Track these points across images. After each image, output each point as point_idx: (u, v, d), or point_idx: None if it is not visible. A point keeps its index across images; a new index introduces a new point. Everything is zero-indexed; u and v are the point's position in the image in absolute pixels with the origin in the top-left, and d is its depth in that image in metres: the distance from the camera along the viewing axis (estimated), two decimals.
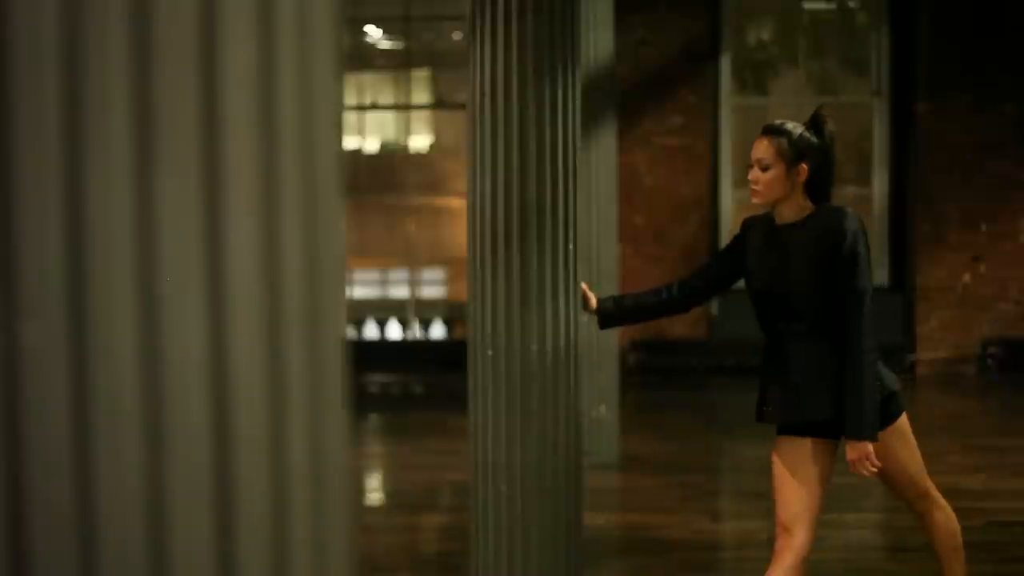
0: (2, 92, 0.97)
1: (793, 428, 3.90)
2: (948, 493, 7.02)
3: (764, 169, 3.81)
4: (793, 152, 3.80)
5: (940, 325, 11.98)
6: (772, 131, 3.87)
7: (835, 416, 3.83)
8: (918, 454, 4.11)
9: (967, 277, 11.97)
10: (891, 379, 3.94)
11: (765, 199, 3.84)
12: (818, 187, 3.84)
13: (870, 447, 3.79)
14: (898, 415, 4.00)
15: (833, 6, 12.72)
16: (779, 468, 3.92)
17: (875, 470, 3.82)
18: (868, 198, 12.53)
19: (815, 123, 3.88)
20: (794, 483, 3.89)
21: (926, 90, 11.88)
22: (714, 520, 6.70)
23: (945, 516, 4.18)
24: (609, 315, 4.15)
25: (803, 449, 3.86)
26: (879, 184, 12.44)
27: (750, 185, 3.86)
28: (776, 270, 3.84)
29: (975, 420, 10.00)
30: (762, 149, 3.83)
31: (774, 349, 3.88)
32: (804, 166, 3.80)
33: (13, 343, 0.97)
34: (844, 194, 12.71)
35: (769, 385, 3.90)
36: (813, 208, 3.83)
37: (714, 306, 11.73)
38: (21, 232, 0.98)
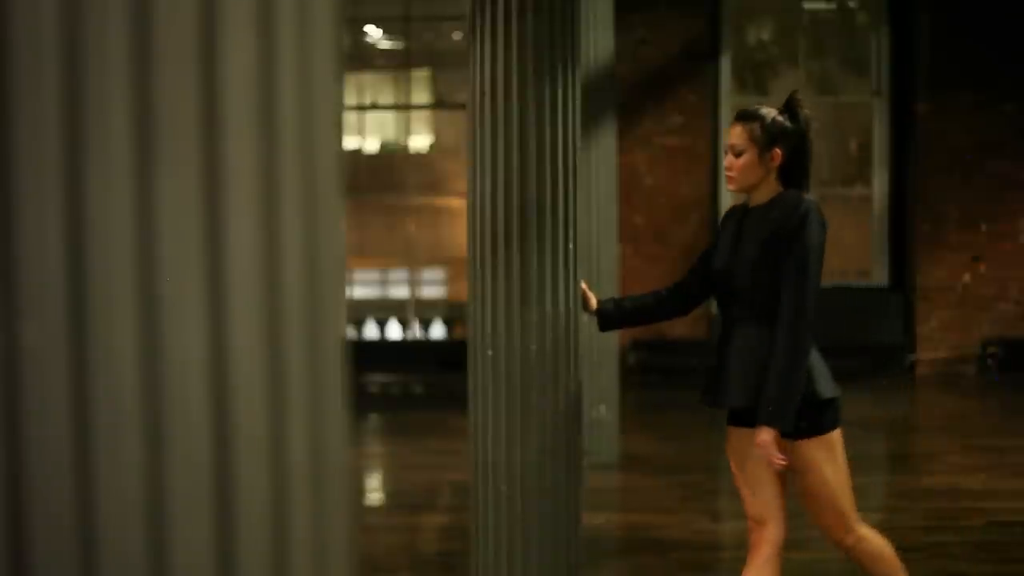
0: (2, 92, 0.97)
1: (741, 419, 3.84)
2: (948, 493, 7.05)
3: (738, 155, 3.78)
4: (766, 137, 3.77)
5: (940, 325, 11.98)
6: (745, 116, 3.83)
7: (748, 405, 3.75)
8: (847, 480, 3.92)
9: (967, 277, 11.97)
10: (829, 386, 3.83)
11: (739, 185, 3.81)
12: (793, 173, 3.81)
13: (771, 436, 3.67)
14: (830, 427, 3.85)
15: (833, 6, 12.72)
16: (733, 462, 3.90)
17: (780, 463, 3.71)
18: (868, 198, 12.53)
19: (790, 108, 3.83)
20: (751, 476, 3.85)
21: (926, 90, 11.88)
22: (714, 520, 6.70)
23: (879, 543, 4.00)
24: (609, 317, 4.14)
25: (749, 440, 3.79)
26: (879, 184, 12.44)
27: (725, 172, 3.84)
28: (730, 252, 3.81)
29: (975, 420, 10.00)
30: (735, 135, 3.81)
31: (723, 333, 3.85)
32: (778, 151, 3.77)
33: (13, 343, 0.97)
34: (844, 194, 12.72)
35: (711, 370, 3.89)
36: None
37: (714, 306, 11.73)
38: (21, 232, 0.98)
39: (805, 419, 3.77)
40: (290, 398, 1.07)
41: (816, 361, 3.80)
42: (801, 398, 3.71)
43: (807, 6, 12.72)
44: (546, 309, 3.95)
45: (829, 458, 3.87)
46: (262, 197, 1.04)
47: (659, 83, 12.08)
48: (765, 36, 12.84)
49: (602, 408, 7.48)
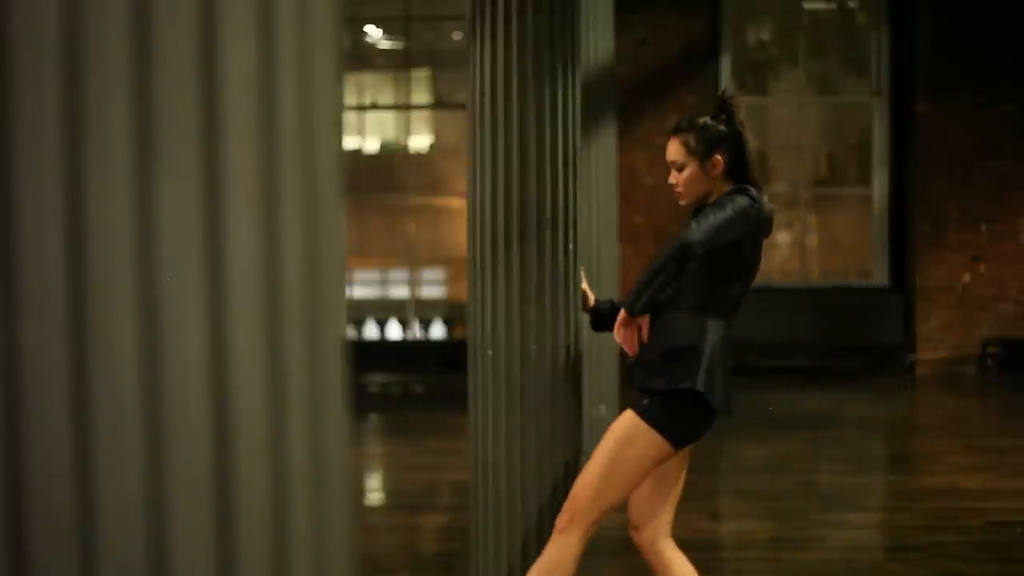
0: (2, 92, 0.97)
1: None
2: (948, 493, 7.05)
3: (680, 169, 3.74)
4: (703, 146, 3.72)
5: (940, 325, 11.98)
6: (679, 130, 3.79)
7: (639, 384, 3.72)
8: (624, 487, 3.74)
9: (967, 277, 11.97)
10: (720, 400, 3.70)
11: (689, 198, 3.76)
12: (740, 173, 3.76)
13: (621, 320, 3.66)
14: (664, 428, 3.67)
15: (833, 6, 12.72)
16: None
17: (627, 345, 3.67)
18: (868, 198, 12.53)
19: (724, 110, 3.77)
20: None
21: (926, 90, 11.88)
22: (714, 520, 6.70)
23: (574, 555, 3.74)
24: (601, 317, 4.12)
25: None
26: (879, 184, 12.44)
27: (673, 189, 3.80)
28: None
29: (975, 420, 10.00)
30: (672, 150, 3.77)
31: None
32: (719, 157, 3.72)
33: (13, 343, 0.97)
34: (844, 194, 12.72)
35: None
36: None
37: None
38: (21, 232, 0.98)
39: (654, 400, 3.68)
40: (290, 398, 1.07)
41: (718, 364, 3.69)
42: (674, 385, 3.63)
43: (807, 6, 12.72)
44: (546, 309, 3.95)
45: (627, 448, 3.67)
46: (262, 197, 1.04)
47: (659, 83, 12.08)
48: (765, 36, 12.84)
49: (602, 408, 7.48)
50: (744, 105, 3.85)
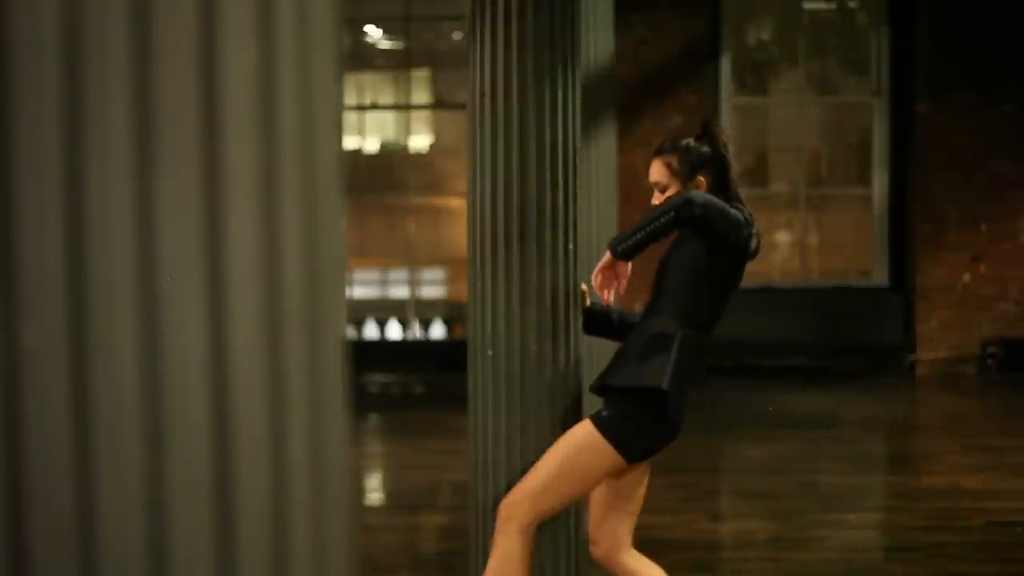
0: (2, 92, 0.97)
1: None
2: (948, 493, 7.05)
3: (662, 191, 3.75)
4: (686, 168, 3.74)
5: (940, 325, 11.98)
6: (661, 152, 3.80)
7: (599, 388, 3.71)
8: (566, 495, 3.69)
9: (967, 277, 11.97)
10: (674, 411, 3.66)
11: None
12: (723, 195, 3.74)
13: (603, 263, 3.61)
14: (620, 443, 3.61)
15: (833, 6, 12.72)
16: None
17: (602, 291, 3.62)
18: (868, 198, 12.53)
19: (708, 132, 3.79)
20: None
21: (926, 90, 11.88)
22: (714, 520, 6.70)
23: (521, 556, 3.66)
24: (593, 317, 4.11)
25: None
26: (879, 184, 12.44)
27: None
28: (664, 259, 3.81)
29: (975, 420, 10.00)
30: (655, 172, 3.78)
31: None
32: (701, 179, 3.74)
33: (13, 343, 0.97)
34: (844, 194, 12.72)
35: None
36: None
37: None
38: (21, 232, 0.98)
39: (614, 412, 3.64)
40: (290, 398, 1.07)
41: (686, 375, 3.66)
42: (639, 391, 3.61)
43: (807, 6, 12.72)
44: (546, 309, 3.95)
45: (578, 457, 3.63)
46: (262, 197, 1.04)
47: (659, 83, 12.08)
48: (765, 36, 12.84)
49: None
50: (725, 130, 3.85)
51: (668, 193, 3.75)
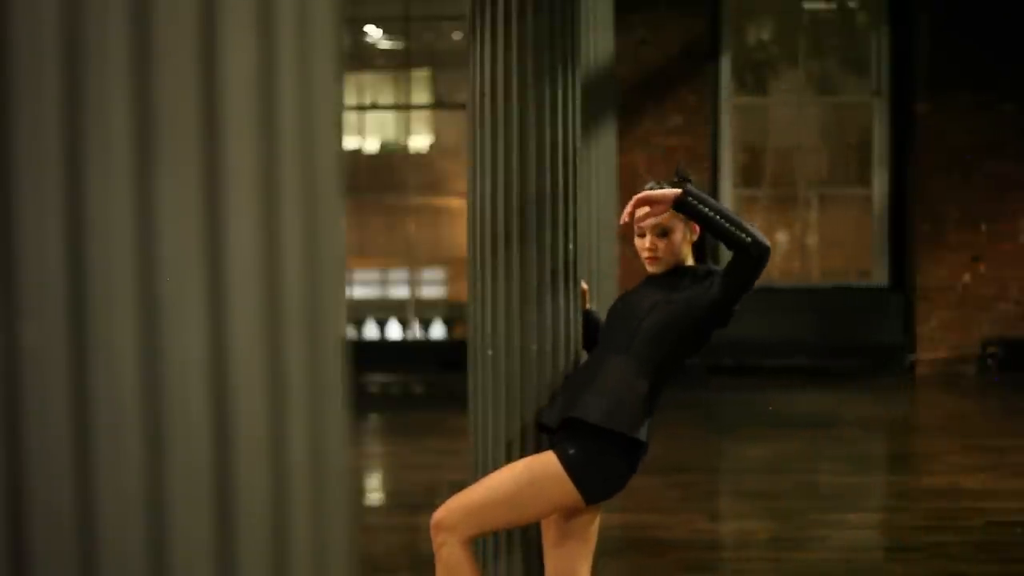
0: (2, 92, 0.97)
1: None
2: (948, 493, 7.05)
3: (663, 234, 3.64)
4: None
5: (940, 325, 11.98)
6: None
7: (557, 424, 3.61)
8: (510, 519, 3.60)
9: (967, 277, 11.97)
10: (637, 462, 3.57)
11: (668, 265, 3.68)
12: (700, 245, 3.71)
13: (664, 195, 3.51)
14: (585, 486, 3.49)
15: (833, 6, 12.72)
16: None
17: (639, 208, 3.56)
18: (868, 198, 12.53)
19: (683, 179, 3.63)
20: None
21: (926, 90, 11.88)
22: (714, 520, 6.70)
23: (467, 562, 3.58)
24: (588, 328, 4.10)
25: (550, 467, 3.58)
26: (879, 184, 12.44)
27: (645, 254, 3.67)
28: (642, 296, 3.69)
29: (975, 420, 10.00)
30: (669, 213, 3.63)
31: (595, 356, 3.73)
32: (697, 230, 3.69)
33: (13, 343, 0.97)
34: (844, 194, 12.72)
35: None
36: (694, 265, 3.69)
37: None
38: (21, 232, 0.98)
39: (580, 450, 3.52)
40: (290, 398, 1.07)
41: (652, 424, 3.60)
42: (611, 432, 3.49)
43: (807, 6, 12.72)
44: (546, 309, 3.95)
45: (535, 484, 3.51)
46: (262, 197, 1.04)
47: (659, 83, 12.08)
48: (765, 36, 12.84)
49: None
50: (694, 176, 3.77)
51: (673, 238, 3.65)
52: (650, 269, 3.72)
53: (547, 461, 3.53)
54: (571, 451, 3.52)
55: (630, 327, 3.64)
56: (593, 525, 3.66)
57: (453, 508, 3.58)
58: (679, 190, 3.52)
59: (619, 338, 3.65)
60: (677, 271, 3.69)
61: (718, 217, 3.46)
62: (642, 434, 3.52)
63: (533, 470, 3.53)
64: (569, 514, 3.61)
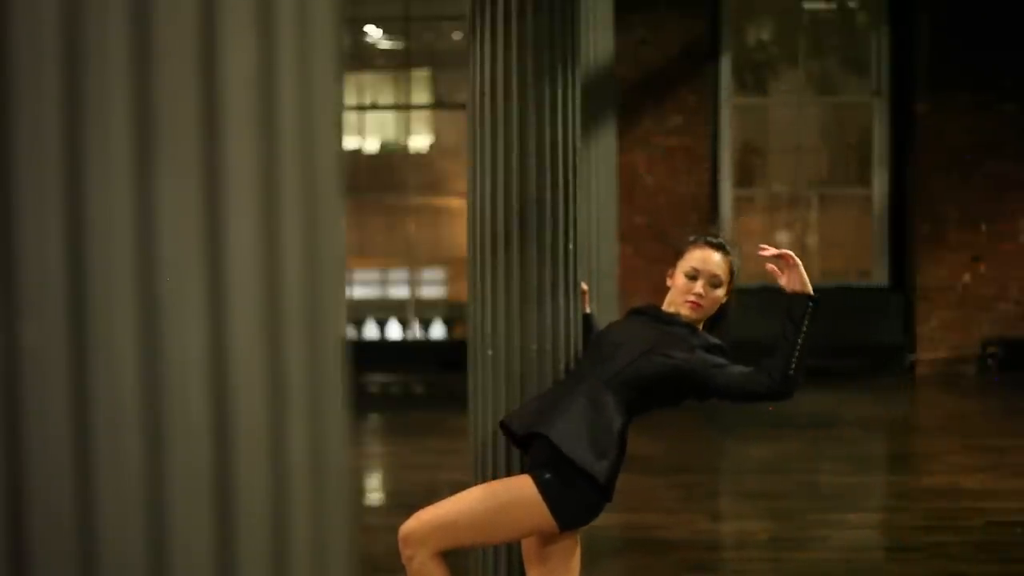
0: (2, 92, 0.97)
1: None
2: (948, 493, 7.05)
3: (715, 286, 3.70)
4: (733, 275, 3.78)
5: (940, 325, 11.98)
6: (725, 248, 3.75)
7: (573, 455, 3.50)
8: (479, 537, 3.55)
9: (967, 277, 11.97)
10: (606, 499, 3.54)
11: (703, 315, 3.72)
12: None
13: (807, 284, 3.59)
14: (558, 512, 3.45)
15: (833, 6, 12.72)
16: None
17: (782, 255, 3.62)
18: (868, 198, 12.53)
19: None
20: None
21: (926, 90, 11.88)
22: (714, 520, 6.70)
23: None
24: (587, 331, 4.10)
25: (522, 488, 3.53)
26: (879, 184, 12.44)
27: (691, 297, 3.68)
28: (631, 332, 3.69)
29: (975, 420, 10.00)
30: (717, 265, 3.71)
31: (571, 378, 3.72)
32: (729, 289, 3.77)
33: (13, 343, 0.97)
34: (844, 194, 12.72)
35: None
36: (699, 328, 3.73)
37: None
38: (21, 232, 0.98)
39: (556, 476, 3.47)
40: (290, 398, 1.07)
41: (621, 464, 3.58)
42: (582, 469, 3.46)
43: (807, 6, 12.72)
44: (546, 309, 3.95)
45: (509, 507, 3.47)
46: (262, 197, 1.04)
47: (659, 83, 12.08)
48: (765, 36, 12.84)
49: None
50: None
51: (718, 292, 3.71)
52: (685, 313, 3.71)
53: (523, 484, 3.48)
54: (547, 476, 3.47)
55: (617, 362, 3.61)
56: (574, 559, 3.59)
57: (424, 521, 3.48)
58: (808, 288, 3.59)
59: (601, 369, 3.62)
60: (687, 325, 3.70)
61: (800, 342, 3.54)
62: (602, 472, 3.46)
63: (510, 491, 3.48)
64: (547, 539, 3.55)
